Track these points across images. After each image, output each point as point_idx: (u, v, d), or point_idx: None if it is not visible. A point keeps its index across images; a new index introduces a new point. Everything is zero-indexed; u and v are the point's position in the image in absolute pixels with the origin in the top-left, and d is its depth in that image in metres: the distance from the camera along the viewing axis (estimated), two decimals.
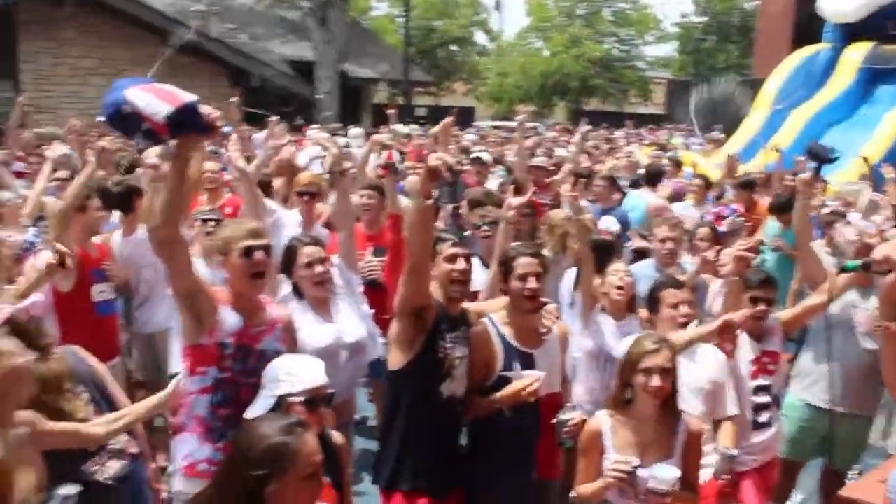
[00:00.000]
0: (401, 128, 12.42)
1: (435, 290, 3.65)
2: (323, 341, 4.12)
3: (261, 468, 2.32)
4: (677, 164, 10.87)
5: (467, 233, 6.13)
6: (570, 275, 5.23)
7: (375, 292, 5.43)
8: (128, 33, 21.08)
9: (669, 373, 3.35)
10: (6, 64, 19.77)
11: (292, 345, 3.66)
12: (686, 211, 7.90)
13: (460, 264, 3.67)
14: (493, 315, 3.86)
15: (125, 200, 5.86)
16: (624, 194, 8.59)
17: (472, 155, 9.19)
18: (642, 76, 45.78)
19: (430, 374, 3.59)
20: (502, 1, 50.00)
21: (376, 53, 28.74)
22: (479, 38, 50.30)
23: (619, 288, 4.52)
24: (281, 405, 2.96)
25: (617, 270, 4.57)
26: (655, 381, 3.32)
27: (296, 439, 2.39)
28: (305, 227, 5.73)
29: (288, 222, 5.87)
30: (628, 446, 3.39)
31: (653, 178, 8.76)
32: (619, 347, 3.53)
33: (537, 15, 47.16)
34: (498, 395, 3.68)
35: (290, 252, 4.19)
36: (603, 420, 3.48)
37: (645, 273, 5.26)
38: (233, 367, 3.37)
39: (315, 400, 2.97)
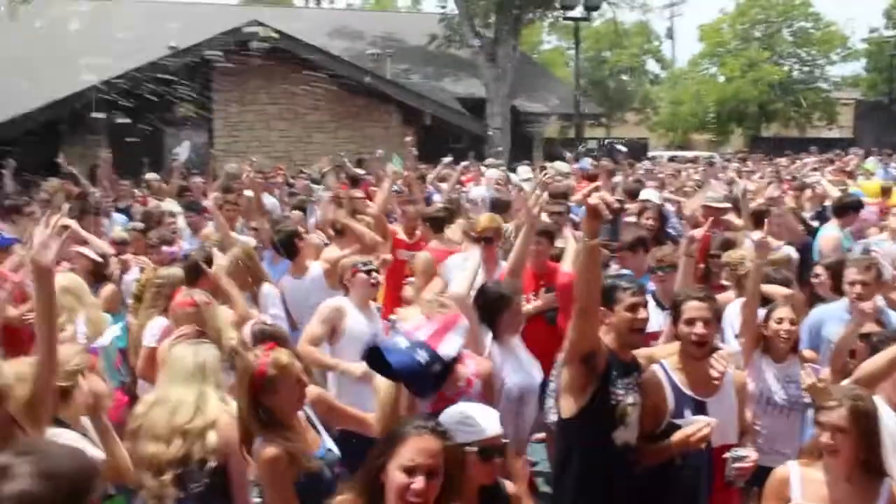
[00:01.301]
0: (561, 166, 12.25)
1: (605, 335, 3.55)
2: (538, 377, 4.39)
3: (378, 448, 2.59)
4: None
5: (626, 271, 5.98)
6: (734, 310, 4.99)
7: (550, 329, 5.40)
8: (307, 79, 22.20)
9: (846, 432, 3.10)
10: (202, 113, 21.25)
11: (491, 397, 3.73)
12: (883, 245, 7.27)
13: (641, 314, 3.56)
14: (665, 361, 3.72)
15: (288, 245, 6.17)
16: (812, 229, 8.10)
17: (641, 197, 8.83)
18: (827, 98, 43.38)
19: (602, 421, 3.48)
20: (674, 28, 48.93)
21: (546, 87, 28.84)
22: (651, 66, 49.55)
23: (784, 337, 4.34)
24: None
25: (782, 319, 4.35)
26: (825, 437, 3.12)
27: (411, 431, 2.56)
28: (488, 272, 5.41)
29: (451, 265, 5.83)
30: (817, 502, 3.16)
31: (840, 210, 8.11)
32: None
33: (711, 40, 45.86)
34: (667, 441, 3.54)
35: (501, 299, 4.33)
36: (792, 469, 3.28)
37: (835, 315, 4.92)
38: None
39: (489, 450, 2.92)
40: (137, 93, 19.17)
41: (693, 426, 3.46)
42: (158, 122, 18.73)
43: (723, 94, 42.09)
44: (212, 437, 3.45)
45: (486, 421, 2.97)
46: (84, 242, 6.73)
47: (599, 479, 3.50)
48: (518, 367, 4.30)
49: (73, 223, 7.28)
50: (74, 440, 3.33)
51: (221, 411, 3.53)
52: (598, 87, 43.07)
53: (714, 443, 3.53)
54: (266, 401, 3.17)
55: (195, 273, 5.40)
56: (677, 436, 3.50)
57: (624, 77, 46.63)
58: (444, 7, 28.55)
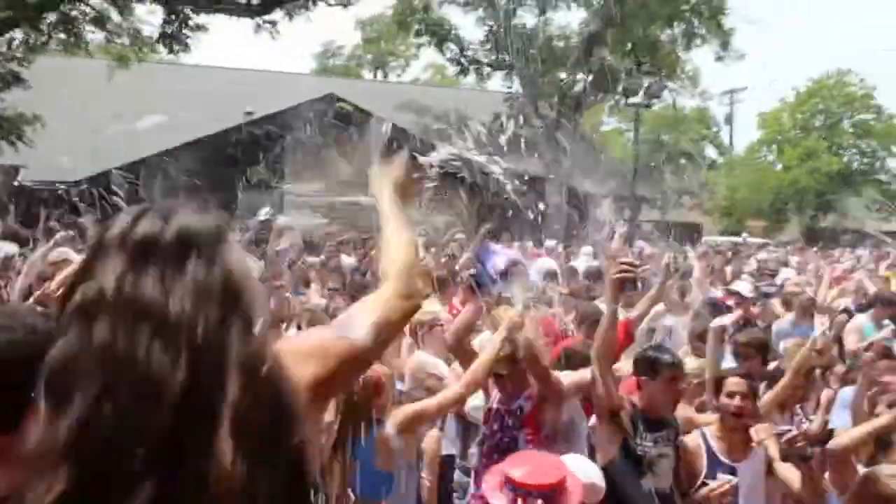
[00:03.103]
0: None
1: (638, 395, 4.14)
2: None
3: None
4: None
5: None
6: None
7: None
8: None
9: None
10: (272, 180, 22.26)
11: None
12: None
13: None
14: (707, 428, 4.31)
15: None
16: None
17: (733, 288, 9.48)
18: (887, 189, 43.33)
19: (629, 469, 4.02)
20: (733, 115, 49.59)
21: (604, 168, 29.49)
22: (709, 152, 50.09)
23: None
24: None
25: None
26: None
27: None
28: None
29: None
30: None
31: (874, 303, 8.60)
32: None
33: (770, 128, 46.34)
34: (695, 496, 4.09)
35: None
36: None
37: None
38: None
39: None
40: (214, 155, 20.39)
41: (716, 483, 4.02)
42: (234, 185, 19.84)
43: (780, 182, 42.38)
44: None
45: None
46: None
47: None
48: None
49: None
50: None
51: None
52: (654, 170, 43.63)
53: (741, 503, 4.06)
54: None
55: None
56: (702, 491, 4.07)
57: (681, 161, 47.21)
58: (509, 87, 29.64)
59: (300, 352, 1.46)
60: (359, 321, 1.59)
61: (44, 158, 20.19)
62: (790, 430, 3.99)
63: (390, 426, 3.85)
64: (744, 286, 9.45)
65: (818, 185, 41.54)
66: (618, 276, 3.89)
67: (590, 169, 27.80)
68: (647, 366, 4.15)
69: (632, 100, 26.10)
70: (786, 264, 15.46)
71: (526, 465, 3.16)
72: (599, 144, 37.36)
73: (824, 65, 58.74)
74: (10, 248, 8.97)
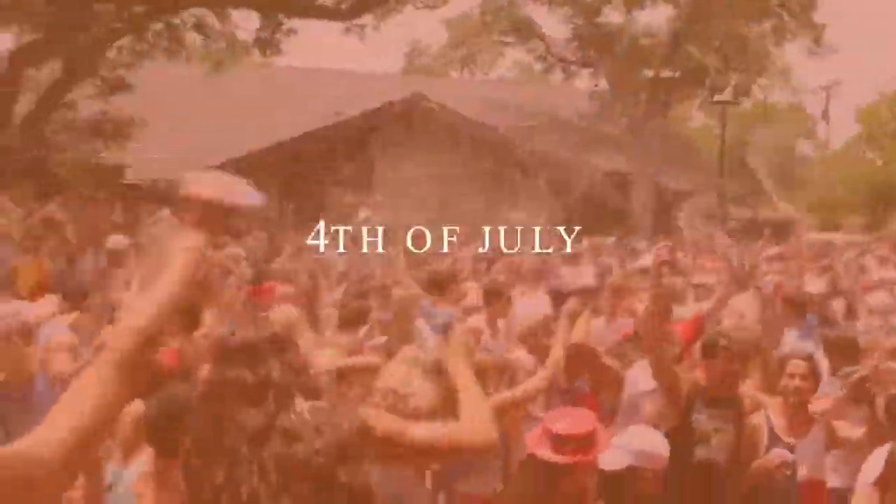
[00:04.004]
0: None
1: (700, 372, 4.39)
2: None
3: None
4: None
5: None
6: None
7: None
8: (464, 150, 23.40)
9: None
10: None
11: None
12: None
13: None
14: (771, 407, 4.56)
15: None
16: None
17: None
18: None
19: (683, 438, 4.32)
20: (829, 109, 48.18)
21: (692, 164, 29.19)
22: (803, 147, 48.88)
23: None
24: None
25: None
26: None
27: None
28: None
29: None
30: None
31: None
32: None
33: (869, 122, 44.91)
34: (752, 468, 4.38)
35: None
36: None
37: None
38: None
39: None
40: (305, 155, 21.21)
41: (770, 458, 4.29)
42: (324, 184, 20.60)
43: (878, 177, 41.07)
44: None
45: None
46: None
47: (680, 485, 4.20)
48: None
49: None
50: None
51: None
52: (745, 166, 42.79)
53: (801, 477, 4.29)
54: None
55: None
56: (756, 464, 4.37)
57: (774, 158, 46.16)
58: (596, 85, 29.63)
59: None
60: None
61: (145, 157, 21.29)
62: (857, 370, 4.23)
63: None
64: (816, 285, 9.44)
65: None
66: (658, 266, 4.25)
67: (678, 166, 27.60)
68: (708, 348, 4.48)
69: (718, 97, 25.80)
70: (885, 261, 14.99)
71: (563, 418, 3.47)
72: (687, 141, 36.95)
73: None
74: (122, 240, 9.57)
